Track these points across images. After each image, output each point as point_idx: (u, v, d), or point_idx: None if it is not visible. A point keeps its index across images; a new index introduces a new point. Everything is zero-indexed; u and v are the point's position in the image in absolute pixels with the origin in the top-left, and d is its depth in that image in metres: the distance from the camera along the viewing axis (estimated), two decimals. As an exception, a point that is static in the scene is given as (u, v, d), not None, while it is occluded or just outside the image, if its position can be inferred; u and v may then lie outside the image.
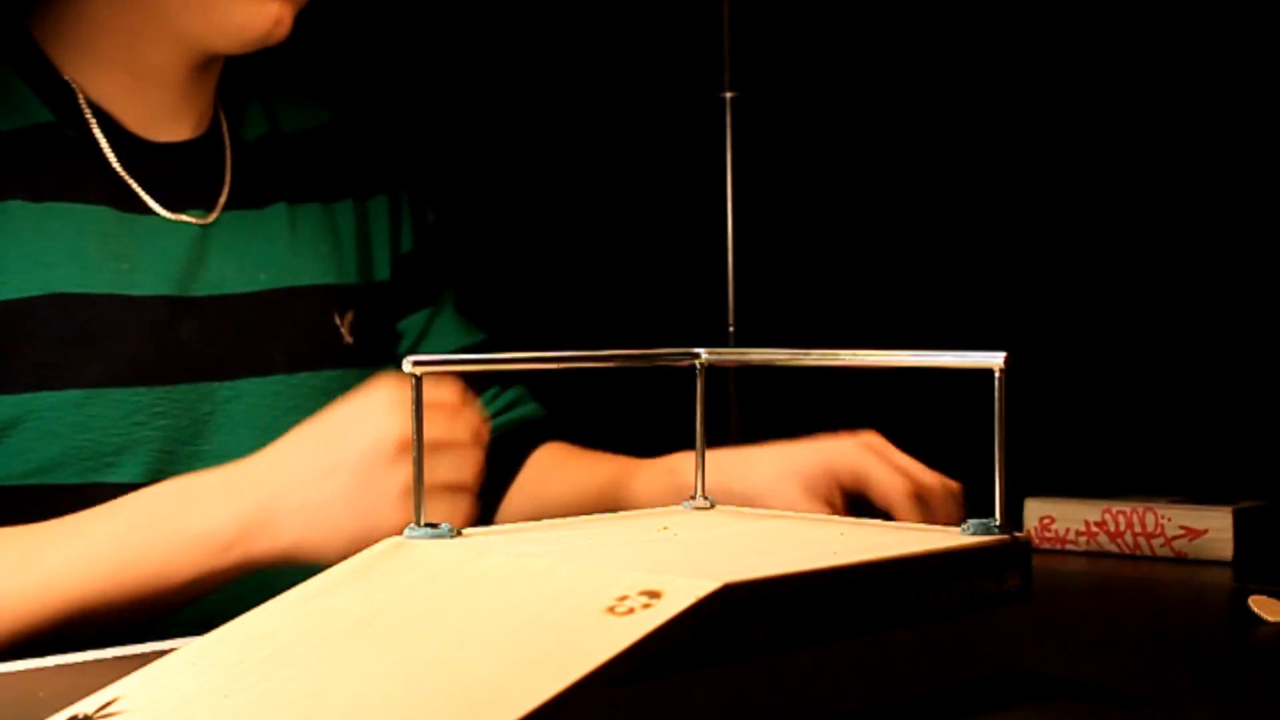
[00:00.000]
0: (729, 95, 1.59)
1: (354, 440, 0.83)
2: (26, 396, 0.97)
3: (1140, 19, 1.51)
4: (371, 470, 0.82)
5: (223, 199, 1.07)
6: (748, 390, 1.59)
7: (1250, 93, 1.46)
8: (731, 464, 1.03)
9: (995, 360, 0.68)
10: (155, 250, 1.03)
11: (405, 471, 0.81)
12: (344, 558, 0.68)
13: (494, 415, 1.20)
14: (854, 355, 0.75)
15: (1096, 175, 1.56)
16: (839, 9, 1.66)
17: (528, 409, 1.23)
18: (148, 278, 1.02)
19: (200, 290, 1.04)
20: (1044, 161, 1.58)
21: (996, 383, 0.68)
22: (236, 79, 1.13)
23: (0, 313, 0.96)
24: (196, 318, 1.03)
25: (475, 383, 1.19)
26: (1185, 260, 1.49)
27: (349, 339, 1.12)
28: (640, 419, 1.55)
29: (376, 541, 0.69)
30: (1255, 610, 0.88)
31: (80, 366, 0.98)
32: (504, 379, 1.22)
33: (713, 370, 0.82)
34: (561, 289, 1.63)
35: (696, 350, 0.82)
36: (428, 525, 0.69)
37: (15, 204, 0.98)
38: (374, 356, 1.15)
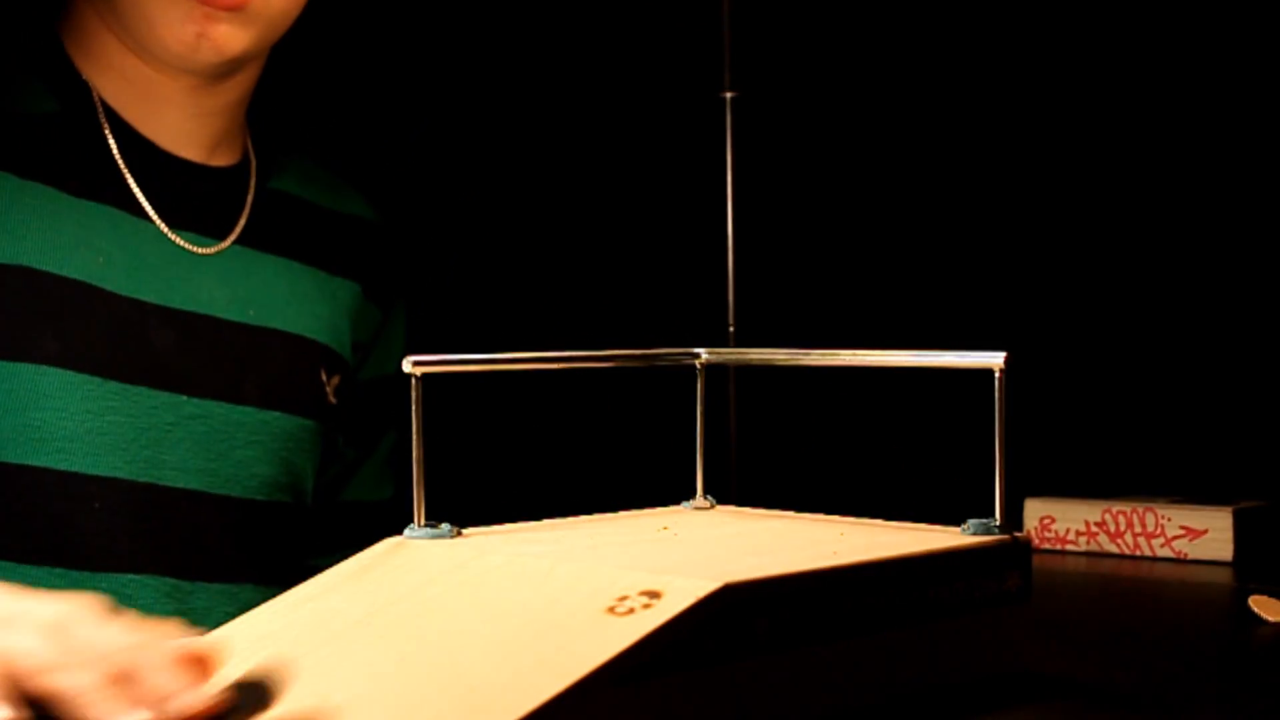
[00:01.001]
0: (729, 95, 1.59)
1: None
2: None
3: (1140, 19, 1.51)
4: None
5: (235, 234, 1.07)
6: (748, 390, 1.59)
7: (1250, 93, 1.46)
8: None
9: (995, 360, 0.68)
10: (141, 254, 1.02)
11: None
12: None
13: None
14: (854, 355, 0.75)
15: (1096, 175, 1.56)
16: (839, 9, 1.66)
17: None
18: (123, 277, 1.00)
19: (182, 304, 1.03)
20: (1043, 161, 1.58)
21: (996, 383, 0.68)
22: (281, 130, 1.14)
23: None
24: (172, 328, 1.02)
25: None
26: (1185, 260, 1.49)
27: (333, 400, 1.11)
28: (639, 419, 1.56)
29: None
30: (1255, 610, 0.88)
31: (38, 342, 0.97)
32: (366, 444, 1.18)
33: (712, 370, 0.82)
34: (561, 289, 1.63)
35: (696, 350, 0.82)
36: (427, 525, 0.69)
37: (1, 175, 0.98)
38: (343, 431, 1.14)
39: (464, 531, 0.70)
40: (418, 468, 0.69)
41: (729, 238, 1.59)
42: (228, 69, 1.03)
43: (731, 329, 1.58)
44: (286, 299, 1.09)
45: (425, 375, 0.69)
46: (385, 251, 1.19)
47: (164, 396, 1.01)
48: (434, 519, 0.69)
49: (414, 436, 0.69)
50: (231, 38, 0.99)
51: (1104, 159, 1.55)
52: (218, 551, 1.03)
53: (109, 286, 1.00)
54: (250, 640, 0.62)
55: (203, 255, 1.05)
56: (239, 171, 1.10)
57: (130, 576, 1.00)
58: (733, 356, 0.84)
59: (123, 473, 0.99)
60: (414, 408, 0.68)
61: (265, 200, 1.10)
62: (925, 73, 1.63)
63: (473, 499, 1.09)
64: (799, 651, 0.60)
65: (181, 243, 1.04)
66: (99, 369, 0.98)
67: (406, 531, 0.69)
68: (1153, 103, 1.51)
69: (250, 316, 1.06)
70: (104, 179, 1.02)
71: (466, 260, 1.56)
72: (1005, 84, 1.58)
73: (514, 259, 1.62)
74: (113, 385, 0.99)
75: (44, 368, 0.97)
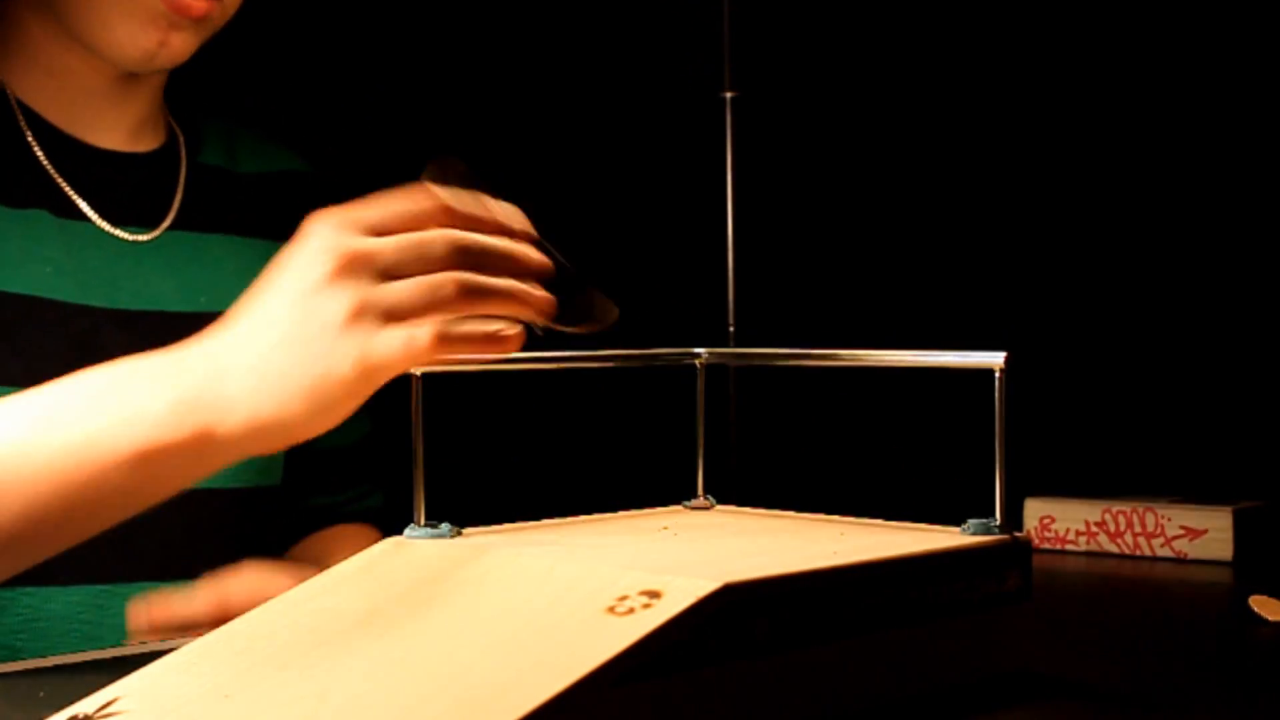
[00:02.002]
0: (729, 95, 1.59)
1: (282, 285, 0.74)
2: None
3: (1140, 19, 1.51)
4: (306, 307, 0.72)
5: (170, 217, 1.05)
6: (748, 390, 1.59)
7: (1249, 93, 1.46)
8: None
9: (995, 360, 0.68)
10: (84, 258, 1.00)
11: (344, 296, 0.71)
12: (305, 414, 0.68)
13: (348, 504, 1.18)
14: (854, 355, 0.75)
15: (1095, 176, 1.56)
16: (839, 9, 1.66)
17: (373, 500, 1.20)
18: (71, 284, 0.99)
19: (132, 304, 1.01)
20: (1043, 162, 1.58)
21: (997, 383, 0.68)
22: (198, 101, 1.11)
23: None
24: (124, 330, 1.00)
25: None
26: (1185, 260, 1.49)
27: None
28: (639, 419, 1.55)
29: (332, 385, 0.69)
30: (1255, 610, 0.88)
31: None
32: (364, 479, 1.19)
33: (712, 370, 0.82)
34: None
35: (697, 350, 0.82)
36: (427, 525, 0.69)
37: None
38: None
39: (464, 531, 0.70)
40: (417, 468, 0.69)
41: (729, 238, 1.59)
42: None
43: (731, 329, 1.58)
44: (236, 278, 1.06)
45: (425, 375, 0.69)
46: (322, 198, 1.16)
47: None
48: (434, 519, 0.69)
49: (414, 436, 0.68)
50: (188, 44, 0.98)
51: (1102, 160, 1.55)
52: (197, 548, 1.02)
53: (59, 296, 0.98)
54: (250, 639, 0.62)
55: (144, 246, 1.03)
56: (166, 153, 1.08)
57: (102, 587, 0.99)
58: (733, 356, 0.83)
59: None
60: (414, 407, 0.68)
61: (196, 177, 1.08)
62: (926, 73, 1.63)
63: (473, 499, 1.09)
64: (799, 651, 0.60)
65: (122, 235, 1.02)
66: None
67: (406, 531, 0.69)
68: (1152, 104, 1.51)
69: (201, 304, 1.04)
70: (35, 184, 1.00)
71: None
72: (1006, 84, 1.59)
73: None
74: None
75: (6, 389, 0.96)
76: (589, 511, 0.79)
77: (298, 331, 0.72)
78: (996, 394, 0.68)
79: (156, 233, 1.04)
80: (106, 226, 1.02)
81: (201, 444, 0.76)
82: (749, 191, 1.61)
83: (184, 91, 1.11)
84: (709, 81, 1.60)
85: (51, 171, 1.01)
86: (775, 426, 1.63)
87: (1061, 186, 1.58)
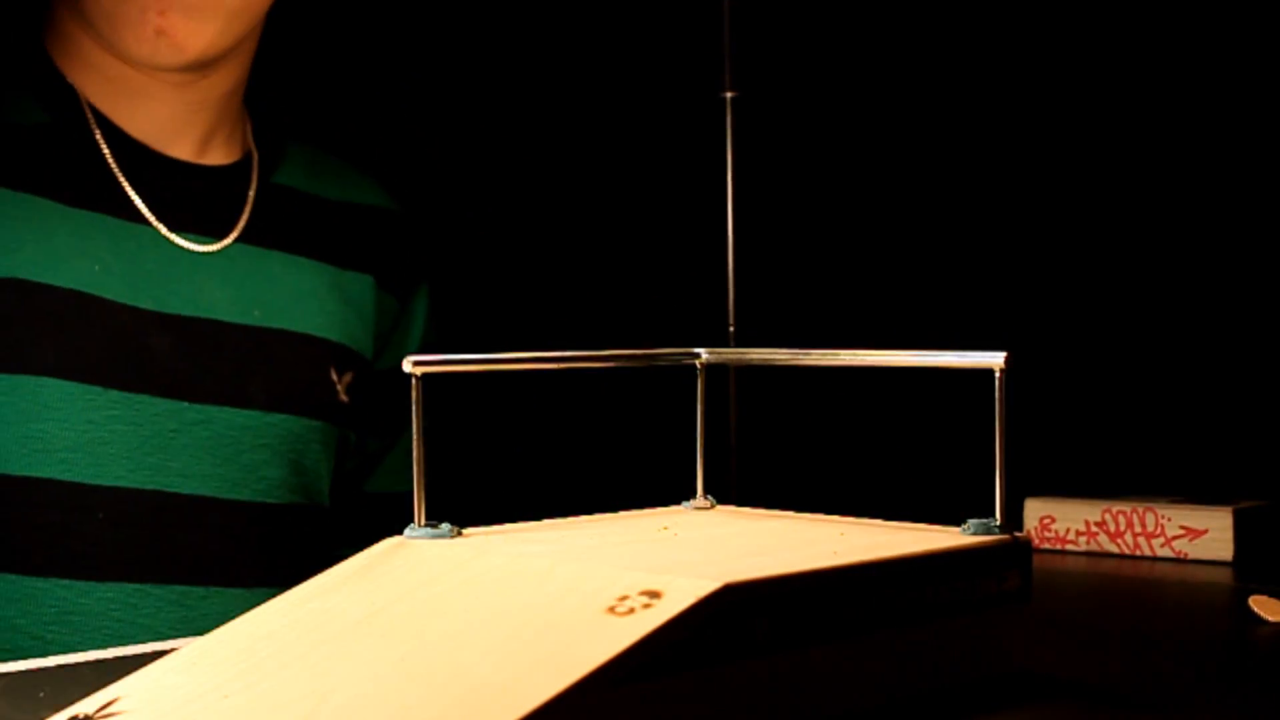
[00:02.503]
0: (729, 95, 1.59)
1: None
2: None
3: (1140, 19, 1.51)
4: None
5: (236, 231, 1.07)
6: (748, 390, 1.59)
7: (1249, 94, 1.46)
8: None
9: (995, 360, 0.68)
10: (139, 260, 1.01)
11: None
12: None
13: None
14: (854, 355, 0.75)
15: (1095, 176, 1.56)
16: (839, 9, 1.66)
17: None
18: (120, 284, 1.00)
19: (183, 309, 1.02)
20: (1042, 162, 1.58)
21: (997, 383, 0.68)
22: (287, 124, 1.13)
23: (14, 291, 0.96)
24: (171, 333, 1.01)
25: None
26: (1185, 260, 1.49)
27: (344, 398, 1.10)
28: (639, 419, 1.56)
29: None
30: (1255, 610, 0.88)
31: (36, 353, 0.97)
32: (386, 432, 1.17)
33: (712, 370, 0.82)
34: (561, 289, 1.63)
35: (696, 350, 0.82)
36: (428, 525, 0.69)
37: (23, 195, 0.98)
38: (361, 426, 1.13)
39: (464, 531, 0.70)
40: (418, 467, 0.69)
41: (729, 238, 1.59)
42: (197, 66, 1.02)
43: (731, 329, 1.58)
44: (294, 297, 1.08)
45: (425, 375, 0.69)
46: (400, 239, 1.17)
47: (165, 404, 1.00)
48: (434, 519, 0.69)
49: (414, 436, 0.69)
50: (192, 34, 0.98)
51: (1101, 160, 1.55)
52: (231, 556, 1.03)
53: (106, 294, 0.99)
54: (250, 639, 0.62)
55: (203, 256, 1.04)
56: (239, 168, 1.09)
57: (135, 586, 0.99)
58: (733, 356, 0.83)
59: (127, 481, 0.98)
60: (414, 408, 0.68)
61: (268, 195, 1.09)
62: (926, 73, 1.64)
63: (473, 499, 1.10)
64: (799, 651, 0.60)
65: (182, 243, 1.03)
66: (99, 378, 0.98)
67: (407, 531, 0.69)
68: (1150, 104, 1.51)
69: (255, 318, 1.05)
70: (98, 185, 1.02)
71: (466, 260, 1.56)
72: (1006, 84, 1.59)
73: (513, 259, 1.62)
74: (113, 394, 0.98)
75: (43, 379, 0.97)
76: (589, 511, 0.79)
77: None
78: (996, 394, 0.68)
79: (220, 245, 1.05)
80: (165, 231, 1.03)
81: None
82: (749, 191, 1.61)
83: (270, 109, 1.13)
84: (709, 81, 1.60)
85: (116, 172, 1.02)
86: (776, 426, 1.63)
87: (1060, 188, 1.58)
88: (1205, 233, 1.48)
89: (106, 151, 1.03)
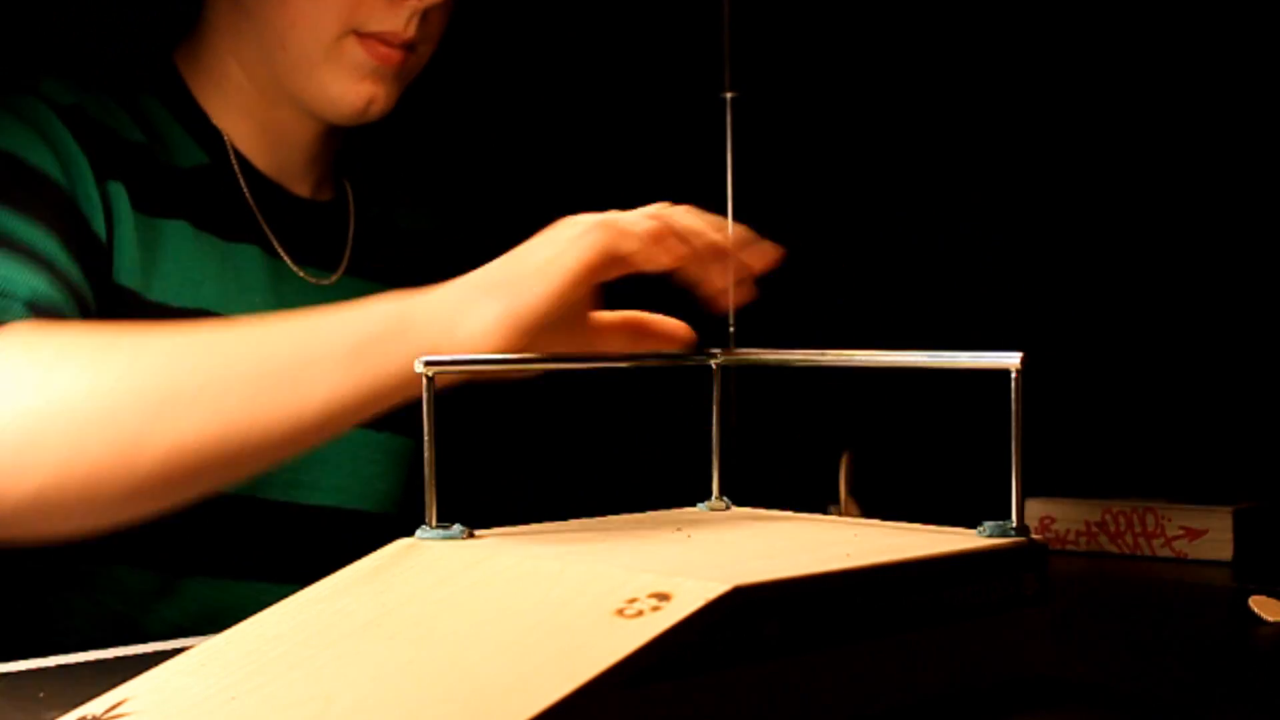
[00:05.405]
0: (729, 95, 1.59)
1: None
2: None
3: (1152, 18, 1.51)
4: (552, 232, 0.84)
5: (343, 266, 1.12)
6: (760, 391, 1.59)
7: (1256, 102, 1.46)
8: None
9: (1012, 360, 0.68)
10: (281, 294, 1.07)
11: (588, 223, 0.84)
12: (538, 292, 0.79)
13: None
14: (869, 356, 0.74)
15: (1095, 177, 1.56)
16: (839, 9, 1.66)
17: None
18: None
19: None
20: (1042, 164, 1.59)
21: (1013, 383, 0.68)
22: (360, 155, 1.18)
23: (157, 313, 1.00)
24: None
25: None
26: (1185, 261, 1.50)
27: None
28: (655, 420, 1.56)
29: (566, 263, 0.79)
30: (1255, 610, 0.89)
31: None
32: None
33: (724, 370, 0.81)
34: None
35: (713, 351, 0.82)
36: (440, 526, 0.69)
37: (180, 224, 1.02)
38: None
39: (476, 533, 0.70)
40: (429, 469, 0.69)
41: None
42: None
43: (731, 329, 1.58)
44: None
45: (436, 377, 0.69)
46: (447, 255, 1.22)
47: None
48: (446, 520, 0.69)
49: (425, 438, 0.69)
50: (392, 96, 1.05)
51: (1102, 162, 1.55)
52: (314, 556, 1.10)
53: None
54: (259, 641, 0.62)
55: (325, 289, 1.10)
56: (340, 203, 1.15)
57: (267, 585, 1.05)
58: (749, 357, 0.83)
59: (258, 493, 1.05)
60: (425, 409, 0.68)
61: (364, 229, 1.16)
62: (928, 72, 1.64)
63: (486, 501, 1.10)
64: (811, 654, 0.60)
65: (306, 277, 1.09)
66: None
67: (419, 533, 0.69)
68: (1153, 109, 1.51)
69: None
70: (246, 224, 1.07)
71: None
72: (1010, 82, 1.59)
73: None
74: None
75: None
76: (604, 513, 0.79)
77: (543, 238, 0.84)
78: (1013, 395, 0.68)
79: (334, 277, 1.11)
80: (294, 267, 1.09)
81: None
82: (749, 191, 1.61)
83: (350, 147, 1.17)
84: (709, 81, 1.60)
85: (256, 211, 1.08)
86: (792, 427, 1.63)
87: (1061, 188, 1.58)
88: (1204, 233, 1.48)
89: (247, 191, 1.07)
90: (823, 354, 0.77)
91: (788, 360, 0.80)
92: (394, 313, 0.83)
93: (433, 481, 0.69)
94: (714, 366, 0.82)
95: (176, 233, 1.02)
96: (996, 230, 1.60)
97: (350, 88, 1.02)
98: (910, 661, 0.64)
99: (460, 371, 0.82)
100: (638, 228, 0.85)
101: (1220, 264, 1.47)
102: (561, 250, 0.82)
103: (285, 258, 1.08)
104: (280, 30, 1.02)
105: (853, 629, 0.61)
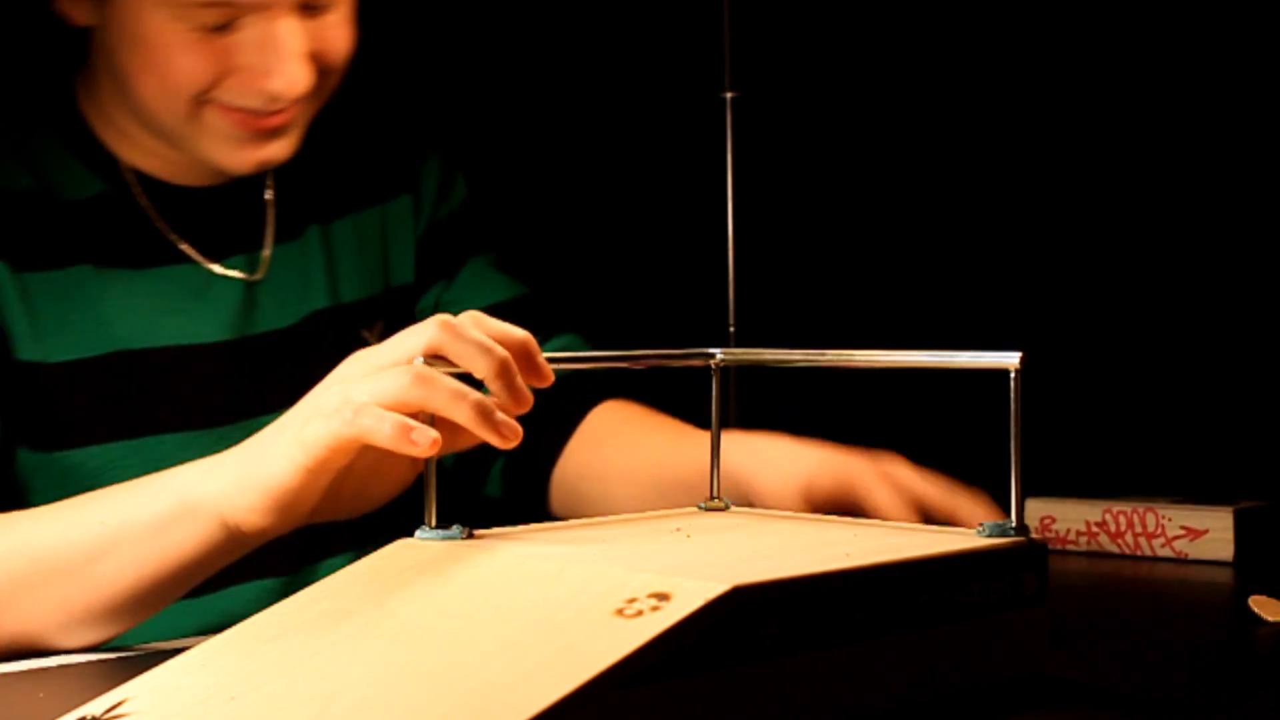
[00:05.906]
0: (729, 95, 1.59)
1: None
2: (101, 447, 0.99)
3: (1153, 18, 1.51)
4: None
5: (268, 241, 1.07)
6: (760, 391, 1.59)
7: (1254, 98, 1.46)
8: (740, 448, 0.95)
9: (1011, 360, 0.68)
10: (204, 297, 1.04)
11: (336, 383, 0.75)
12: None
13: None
14: (869, 356, 0.74)
15: (1095, 178, 1.56)
16: (839, 9, 1.66)
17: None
18: (201, 326, 1.03)
19: (249, 330, 1.05)
20: (1041, 164, 1.59)
21: (1013, 383, 0.68)
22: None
23: (68, 373, 0.98)
24: (246, 358, 1.05)
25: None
26: (1185, 261, 1.50)
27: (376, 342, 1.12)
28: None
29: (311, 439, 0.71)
30: (1255, 610, 0.89)
31: (151, 415, 1.01)
32: (547, 328, 1.18)
33: (709, 370, 0.81)
34: (560, 289, 1.63)
35: (712, 350, 0.82)
36: (439, 526, 0.69)
37: (82, 269, 1.00)
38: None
39: (476, 533, 0.70)
40: (430, 470, 0.69)
41: (729, 238, 1.59)
42: None
43: (732, 329, 1.58)
44: (325, 270, 1.09)
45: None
46: (381, 147, 1.17)
47: (251, 425, 1.02)
48: (446, 521, 0.69)
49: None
50: (283, 149, 0.99)
51: (1102, 163, 1.55)
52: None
53: (192, 340, 1.03)
54: (258, 641, 0.62)
55: (249, 280, 1.06)
56: (256, 178, 1.09)
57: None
58: (748, 357, 0.83)
59: None
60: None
61: (281, 184, 1.10)
62: (928, 71, 1.64)
63: (486, 500, 1.10)
64: (810, 654, 0.60)
65: (234, 273, 1.05)
66: (205, 420, 1.02)
67: (418, 533, 0.69)
68: (1153, 110, 1.51)
69: (299, 311, 1.08)
70: (155, 244, 1.03)
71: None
72: (1010, 82, 1.59)
73: (513, 258, 1.62)
74: (218, 430, 1.02)
75: (161, 436, 1.01)
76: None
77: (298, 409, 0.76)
78: (1012, 395, 0.67)
79: (261, 269, 1.07)
80: (216, 268, 1.05)
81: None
82: (749, 191, 1.61)
83: None
84: (709, 81, 1.60)
85: (161, 224, 1.03)
86: (774, 427, 1.63)
87: (1062, 189, 1.58)
88: (1204, 234, 1.48)
89: (151, 209, 1.03)
90: (822, 354, 0.77)
91: (788, 360, 0.80)
92: (178, 491, 0.80)
93: (433, 482, 0.69)
94: (714, 366, 0.82)
95: (80, 279, 0.99)
96: (997, 230, 1.60)
97: (231, 154, 0.98)
98: (909, 661, 0.64)
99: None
100: (387, 423, 0.69)
101: (1220, 264, 1.47)
102: (303, 429, 0.74)
103: (206, 262, 1.04)
104: (137, 99, 0.97)
105: (852, 629, 0.61)
